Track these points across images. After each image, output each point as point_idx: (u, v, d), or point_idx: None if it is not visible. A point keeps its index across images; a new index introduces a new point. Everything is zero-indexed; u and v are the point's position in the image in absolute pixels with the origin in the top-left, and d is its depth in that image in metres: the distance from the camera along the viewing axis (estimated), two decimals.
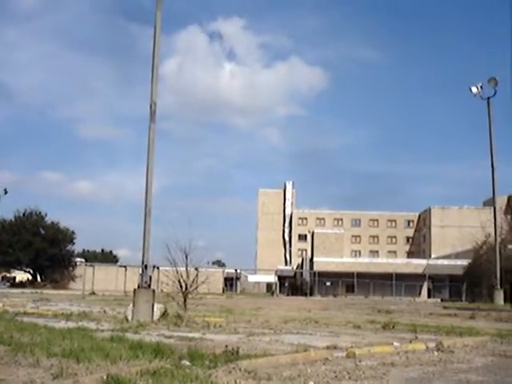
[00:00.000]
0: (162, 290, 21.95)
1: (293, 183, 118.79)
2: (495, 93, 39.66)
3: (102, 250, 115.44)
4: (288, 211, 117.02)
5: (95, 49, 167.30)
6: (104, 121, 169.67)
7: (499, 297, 37.04)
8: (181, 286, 19.68)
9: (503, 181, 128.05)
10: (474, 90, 40.31)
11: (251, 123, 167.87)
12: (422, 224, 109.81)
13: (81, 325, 12.69)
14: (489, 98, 39.88)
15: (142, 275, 16.51)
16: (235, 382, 6.09)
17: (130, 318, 15.13)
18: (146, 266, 16.41)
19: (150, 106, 16.96)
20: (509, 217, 73.56)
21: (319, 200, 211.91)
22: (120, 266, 72.04)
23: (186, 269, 20.32)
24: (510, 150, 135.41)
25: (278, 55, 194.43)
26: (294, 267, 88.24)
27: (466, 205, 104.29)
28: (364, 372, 7.45)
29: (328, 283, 67.96)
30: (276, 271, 76.82)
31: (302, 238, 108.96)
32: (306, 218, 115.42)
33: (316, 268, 68.74)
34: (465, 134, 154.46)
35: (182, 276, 19.77)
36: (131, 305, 15.63)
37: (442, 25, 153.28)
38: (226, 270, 77.86)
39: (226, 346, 8.59)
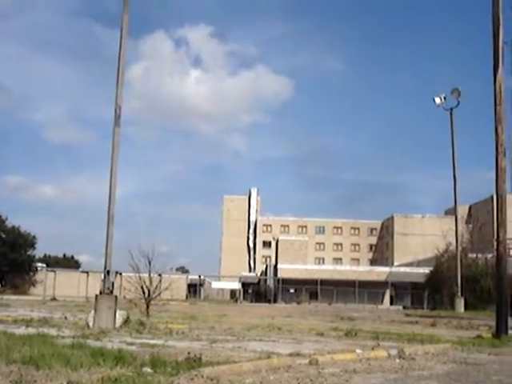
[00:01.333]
0: (124, 297, 21.76)
1: (258, 190, 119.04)
2: (458, 104, 40.35)
3: (64, 255, 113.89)
4: (253, 218, 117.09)
5: (60, 51, 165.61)
6: (69, 124, 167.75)
7: (460, 304, 37.54)
8: (143, 293, 19.53)
9: (465, 190, 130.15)
10: (438, 100, 40.96)
11: (216, 129, 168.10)
12: (385, 232, 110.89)
13: (41, 331, 12.46)
14: (452, 109, 40.52)
15: (104, 281, 16.31)
16: None
17: (91, 324, 14.93)
18: (108, 272, 16.21)
19: (115, 110, 16.80)
20: (470, 226, 74.75)
21: (284, 207, 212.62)
22: (82, 272, 71.15)
23: (149, 275, 20.18)
24: (472, 160, 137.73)
25: (243, 63, 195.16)
26: (258, 274, 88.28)
27: (428, 213, 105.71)
28: (326, 379, 7.46)
29: (292, 290, 68.12)
30: (240, 278, 76.74)
31: (267, 244, 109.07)
32: (270, 225, 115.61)
33: (280, 275, 68.86)
34: (428, 144, 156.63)
35: (144, 282, 19.63)
36: (93, 311, 15.42)
37: (407, 34, 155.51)
38: (190, 277, 77.52)
39: (189, 353, 8.53)
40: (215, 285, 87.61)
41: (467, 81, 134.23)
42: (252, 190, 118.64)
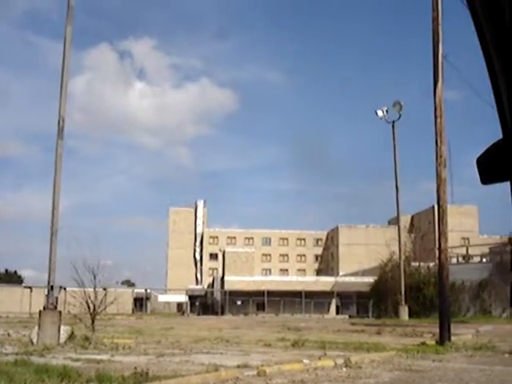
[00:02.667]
0: (69, 312, 21.37)
1: (204, 202, 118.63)
2: (400, 116, 41.19)
3: (6, 271, 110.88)
4: (199, 230, 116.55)
5: (2, 62, 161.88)
6: (10, 137, 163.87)
7: (404, 312, 38.18)
8: (88, 307, 19.24)
9: (407, 201, 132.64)
10: (380, 113, 41.73)
11: (161, 142, 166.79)
12: (330, 242, 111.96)
13: None
14: (393, 122, 41.35)
15: (47, 296, 16.01)
16: None
17: (35, 340, 14.62)
18: (52, 287, 15.92)
19: (58, 123, 16.57)
20: (412, 235, 76.20)
21: (230, 219, 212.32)
22: (25, 287, 69.39)
23: (94, 289, 19.89)
24: (414, 171, 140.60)
25: (188, 76, 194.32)
26: (205, 286, 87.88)
27: (372, 223, 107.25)
28: None
29: (239, 302, 68.03)
30: (187, 291, 76.20)
31: (214, 256, 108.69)
32: (217, 237, 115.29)
33: (227, 287, 68.72)
34: (371, 155, 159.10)
35: (89, 297, 19.34)
36: (36, 327, 15.11)
37: (348, 48, 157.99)
38: (136, 290, 76.49)
39: (136, 368, 8.46)
40: (162, 298, 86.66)
41: (408, 93, 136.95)
42: (198, 202, 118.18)
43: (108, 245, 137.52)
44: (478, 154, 1.33)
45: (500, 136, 1.30)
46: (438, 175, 17.91)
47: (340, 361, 11.18)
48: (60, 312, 15.70)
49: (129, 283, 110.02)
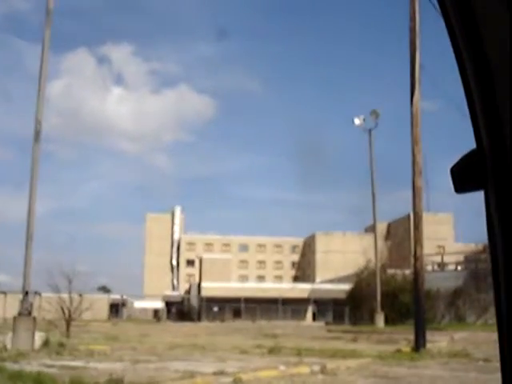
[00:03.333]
0: (43, 318, 21.16)
1: (181, 208, 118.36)
2: (376, 125, 41.45)
3: None
4: (176, 236, 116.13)
5: None
6: None
7: (380, 319, 38.35)
8: (64, 313, 19.07)
9: (383, 208, 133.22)
10: (357, 121, 41.97)
11: (139, 148, 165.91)
12: (307, 249, 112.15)
13: None
14: (370, 130, 41.62)
15: (22, 302, 15.84)
16: None
17: (9, 346, 14.46)
18: (27, 293, 15.77)
19: (35, 126, 16.45)
20: (388, 243, 76.73)
21: (208, 225, 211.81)
22: None
23: (70, 295, 19.73)
24: (390, 179, 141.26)
25: (166, 82, 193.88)
26: (182, 293, 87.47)
27: (348, 231, 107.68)
28: None
29: (216, 308, 67.84)
30: (163, 297, 75.80)
31: (190, 263, 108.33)
32: (194, 243, 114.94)
33: (204, 293, 68.50)
34: (347, 163, 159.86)
35: (65, 302, 19.17)
36: (11, 333, 14.94)
37: (325, 58, 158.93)
38: (112, 296, 75.97)
39: (111, 375, 8.41)
40: (138, 304, 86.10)
41: (386, 102, 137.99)
42: (176, 208, 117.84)
43: (84, 250, 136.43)
44: (452, 164, 1.35)
45: (473, 146, 1.33)
46: (414, 183, 18.06)
47: (316, 368, 11.20)
48: (35, 318, 15.55)
49: (105, 289, 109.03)
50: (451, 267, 49.27)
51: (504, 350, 1.30)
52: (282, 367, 11.21)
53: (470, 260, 48.02)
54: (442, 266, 49.85)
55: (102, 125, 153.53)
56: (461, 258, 51.99)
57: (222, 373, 10.08)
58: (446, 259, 53.62)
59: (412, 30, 17.78)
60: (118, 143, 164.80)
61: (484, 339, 22.04)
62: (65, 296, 19.54)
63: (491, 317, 39.06)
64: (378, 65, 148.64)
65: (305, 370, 11.08)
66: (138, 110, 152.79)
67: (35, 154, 16.43)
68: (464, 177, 1.34)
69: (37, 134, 16.47)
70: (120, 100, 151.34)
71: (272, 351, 15.87)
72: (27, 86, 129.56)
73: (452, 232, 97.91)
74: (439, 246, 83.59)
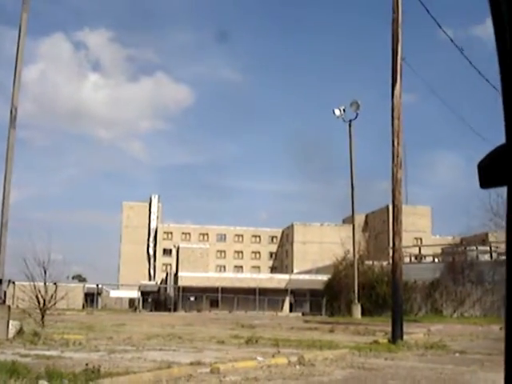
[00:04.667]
0: (17, 306, 20.91)
1: (158, 197, 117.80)
2: (357, 116, 41.47)
3: None
4: (153, 225, 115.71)
5: None
6: None
7: (357, 311, 38.53)
8: (38, 302, 18.82)
9: (361, 200, 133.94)
10: (337, 112, 41.95)
11: (115, 135, 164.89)
12: (285, 240, 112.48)
13: None
14: (350, 121, 41.64)
15: None
16: None
17: None
18: (0, 281, 15.52)
19: (11, 112, 16.15)
20: (366, 234, 77.15)
21: (185, 214, 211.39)
22: None
23: (45, 284, 19.48)
24: (369, 171, 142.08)
25: (144, 70, 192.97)
26: (158, 282, 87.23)
27: (327, 222, 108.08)
28: None
29: (192, 298, 67.74)
30: (139, 286, 75.52)
31: (167, 252, 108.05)
32: (171, 233, 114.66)
33: (180, 283, 68.35)
34: (326, 154, 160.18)
35: (39, 291, 18.92)
36: None
37: (305, 47, 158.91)
38: (87, 285, 75.53)
39: (87, 365, 8.28)
40: (113, 293, 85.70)
41: (369, 93, 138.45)
42: (153, 197, 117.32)
43: (59, 238, 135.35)
44: (481, 158, 1.29)
45: (503, 140, 1.27)
46: (394, 176, 18.05)
47: (293, 358, 11.16)
48: (9, 306, 15.32)
49: (80, 278, 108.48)
50: (429, 259, 49.68)
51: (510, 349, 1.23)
52: (260, 358, 11.16)
53: (447, 253, 48.45)
54: (419, 258, 50.24)
55: (78, 111, 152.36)
56: (438, 250, 52.44)
57: (199, 363, 10.00)
58: (424, 251, 54.08)
59: (394, 21, 17.73)
60: (94, 130, 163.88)
61: (460, 332, 22.23)
62: (40, 284, 19.26)
63: (467, 309, 39.54)
64: (361, 55, 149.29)
65: (282, 360, 11.03)
66: (114, 97, 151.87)
67: (11, 140, 16.14)
68: (490, 172, 1.26)
69: (12, 120, 16.17)
70: (96, 86, 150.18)
71: (249, 342, 15.82)
72: (1, 70, 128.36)
73: (430, 225, 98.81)
74: (416, 238, 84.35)
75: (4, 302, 15.58)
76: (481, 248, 45.97)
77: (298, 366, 10.49)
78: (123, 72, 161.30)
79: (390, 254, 21.87)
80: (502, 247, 44.30)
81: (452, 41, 21.26)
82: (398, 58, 17.80)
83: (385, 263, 43.30)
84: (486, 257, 43.31)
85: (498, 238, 45.73)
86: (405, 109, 18.74)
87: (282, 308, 68.25)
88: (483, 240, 54.46)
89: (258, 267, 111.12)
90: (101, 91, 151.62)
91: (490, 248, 44.80)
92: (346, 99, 48.52)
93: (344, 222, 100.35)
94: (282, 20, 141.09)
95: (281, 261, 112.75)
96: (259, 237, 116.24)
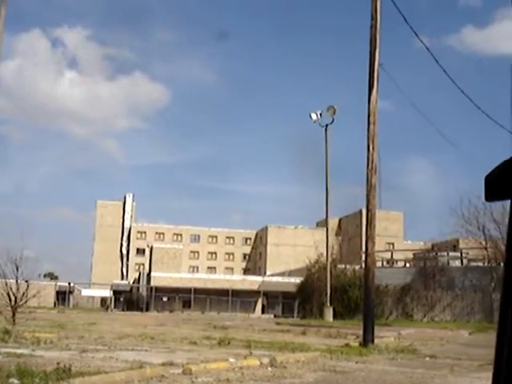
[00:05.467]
0: None
1: (133, 196, 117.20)
2: (333, 120, 41.70)
3: None
4: (127, 224, 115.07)
5: None
6: None
7: (329, 314, 38.69)
8: (10, 300, 18.61)
9: (336, 204, 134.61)
10: (314, 116, 42.13)
11: (90, 133, 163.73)
12: (259, 242, 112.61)
13: None
14: (327, 125, 41.84)
15: None
16: None
17: None
18: None
19: None
20: (339, 238, 77.52)
21: (159, 214, 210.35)
22: None
23: (17, 281, 19.26)
24: (344, 175, 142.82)
25: (121, 68, 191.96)
26: (131, 282, 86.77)
27: (300, 225, 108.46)
28: None
29: (165, 299, 67.51)
30: (112, 285, 75.05)
31: (141, 252, 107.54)
32: (145, 232, 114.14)
33: (153, 283, 68.08)
34: (301, 158, 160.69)
35: (11, 289, 18.71)
36: None
37: (283, 49, 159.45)
38: (59, 284, 74.86)
39: (58, 363, 8.24)
40: (85, 292, 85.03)
41: (346, 97, 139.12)
42: (127, 196, 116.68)
43: (32, 236, 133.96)
44: (488, 171, 1.33)
45: (510, 154, 1.31)
46: (368, 181, 18.20)
47: (265, 360, 11.21)
48: None
49: (51, 276, 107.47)
50: (400, 264, 50.12)
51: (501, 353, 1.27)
52: (232, 359, 11.19)
53: (418, 258, 48.94)
54: (391, 262, 50.65)
55: (53, 108, 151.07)
56: (410, 255, 52.92)
57: (171, 364, 10.00)
58: (396, 256, 54.54)
59: (373, 27, 17.89)
60: (69, 128, 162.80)
61: (430, 336, 22.47)
62: (11, 282, 19.05)
63: (438, 314, 39.93)
64: (339, 59, 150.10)
65: (254, 362, 11.07)
66: (90, 95, 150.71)
67: None
68: (496, 185, 1.31)
69: None
70: (73, 84, 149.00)
71: (221, 343, 15.84)
72: None
73: (402, 230, 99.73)
74: (388, 243, 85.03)
75: None
76: (452, 254, 46.48)
77: (269, 368, 10.55)
78: (100, 70, 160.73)
79: (363, 258, 22.04)
80: (472, 253, 44.91)
81: (428, 49, 21.49)
82: (376, 63, 17.96)
83: (357, 267, 43.56)
84: (457, 263, 43.79)
85: (468, 244, 46.31)
86: (381, 115, 18.91)
87: (254, 310, 68.32)
88: (454, 246, 55.14)
89: (232, 268, 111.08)
90: (77, 89, 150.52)
91: (461, 254, 45.31)
92: (324, 103, 48.67)
93: (318, 225, 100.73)
94: (273, 21, 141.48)
95: (254, 262, 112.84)
96: (233, 238, 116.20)
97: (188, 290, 66.04)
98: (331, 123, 41.87)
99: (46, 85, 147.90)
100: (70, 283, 74.92)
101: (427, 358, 14.03)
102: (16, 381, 6.61)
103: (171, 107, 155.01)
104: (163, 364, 9.90)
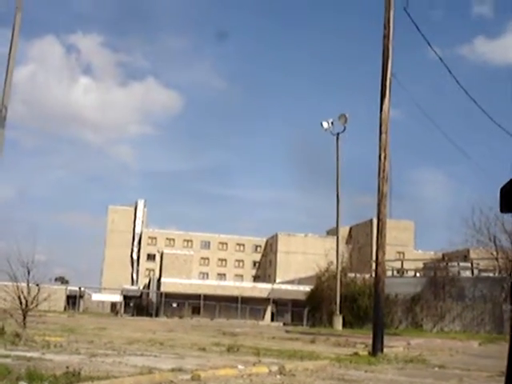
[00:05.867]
0: None
1: (145, 202, 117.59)
2: (344, 129, 41.64)
3: None
4: (138, 230, 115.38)
5: None
6: None
7: (338, 322, 38.60)
8: (21, 303, 18.72)
9: (346, 212, 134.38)
10: (325, 125, 42.07)
11: (104, 139, 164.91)
12: (269, 249, 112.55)
13: None
14: (338, 134, 41.79)
15: None
16: None
17: None
18: None
19: (1, 111, 16.14)
20: (349, 246, 77.40)
21: (170, 220, 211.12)
22: None
23: (28, 285, 19.38)
24: (354, 184, 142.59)
25: (134, 75, 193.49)
26: (141, 287, 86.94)
27: (310, 233, 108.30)
28: None
29: (174, 304, 67.53)
30: (122, 290, 75.22)
31: (151, 257, 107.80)
32: (155, 238, 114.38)
33: (163, 289, 68.13)
34: (312, 166, 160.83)
35: (22, 292, 18.82)
36: None
37: (295, 56, 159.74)
38: (69, 288, 75.20)
39: (67, 367, 8.29)
40: (95, 297, 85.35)
41: (357, 107, 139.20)
42: (139, 202, 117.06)
43: (44, 240, 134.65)
44: (503, 184, 1.35)
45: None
46: (380, 190, 18.18)
47: (274, 368, 11.21)
48: None
49: (62, 280, 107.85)
50: (410, 274, 49.87)
51: None
52: (241, 366, 11.20)
53: (428, 268, 48.66)
54: (401, 272, 50.42)
55: (67, 114, 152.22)
56: (420, 265, 52.64)
57: (180, 369, 10.02)
58: (406, 266, 54.25)
59: (386, 37, 17.92)
60: (82, 133, 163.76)
61: (440, 346, 22.37)
62: (22, 285, 19.17)
63: (447, 324, 39.71)
64: (353, 67, 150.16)
65: (263, 369, 11.07)
66: (104, 101, 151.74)
67: (0, 139, 16.12)
68: (510, 197, 1.33)
69: (2, 119, 16.16)
70: (87, 90, 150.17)
71: (230, 350, 15.84)
72: None
73: (412, 239, 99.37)
74: (399, 253, 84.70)
75: None
76: (462, 264, 46.20)
77: (278, 376, 10.55)
78: (113, 77, 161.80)
79: (373, 267, 21.99)
80: (483, 264, 44.64)
81: (441, 60, 21.47)
82: (388, 73, 17.98)
83: (367, 276, 43.43)
84: (468, 273, 43.53)
85: (479, 254, 46.04)
86: (393, 124, 18.91)
87: (263, 317, 68.21)
88: (465, 256, 54.79)
89: (241, 275, 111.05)
90: (91, 95, 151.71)
91: (472, 264, 45.04)
92: (336, 111, 48.64)
93: (328, 233, 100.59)
94: (285, 25, 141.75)
95: (264, 270, 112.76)
96: (243, 245, 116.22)
97: (197, 297, 66.04)
98: (343, 131, 41.84)
99: (59, 91, 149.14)
100: (80, 288, 75.19)
101: (436, 368, 13.97)
102: None
103: (184, 114, 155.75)
104: (172, 370, 9.92)
